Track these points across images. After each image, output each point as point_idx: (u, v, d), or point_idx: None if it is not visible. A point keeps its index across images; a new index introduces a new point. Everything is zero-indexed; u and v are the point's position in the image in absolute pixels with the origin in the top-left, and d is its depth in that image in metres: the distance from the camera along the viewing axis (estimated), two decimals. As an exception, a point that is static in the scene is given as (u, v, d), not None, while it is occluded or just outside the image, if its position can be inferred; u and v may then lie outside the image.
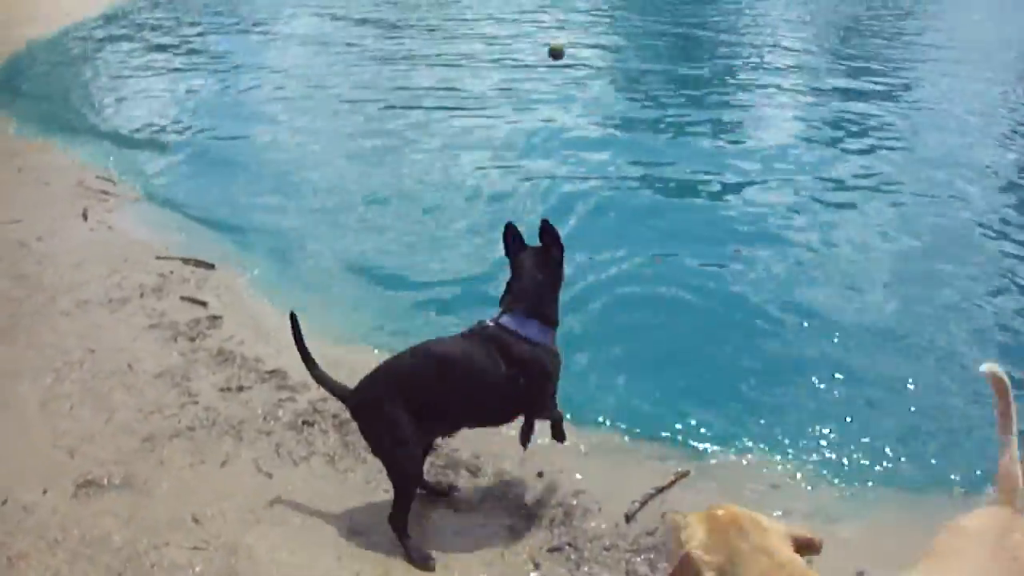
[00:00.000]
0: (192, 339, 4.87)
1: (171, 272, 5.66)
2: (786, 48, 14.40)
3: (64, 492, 3.71)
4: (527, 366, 3.40)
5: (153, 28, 15.37)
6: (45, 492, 3.70)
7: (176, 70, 12.29)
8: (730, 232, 6.56)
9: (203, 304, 5.25)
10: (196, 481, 3.82)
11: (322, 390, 3.64)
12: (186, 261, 5.84)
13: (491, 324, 3.47)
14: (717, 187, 7.59)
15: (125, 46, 13.75)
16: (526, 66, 12.19)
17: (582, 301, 5.39)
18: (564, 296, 3.70)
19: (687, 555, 1.97)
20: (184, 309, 5.21)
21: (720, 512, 2.04)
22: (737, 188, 7.55)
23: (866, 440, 4.24)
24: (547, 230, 3.55)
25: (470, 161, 8.14)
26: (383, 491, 3.64)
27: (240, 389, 4.41)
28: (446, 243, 6.38)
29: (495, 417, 3.64)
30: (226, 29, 15.58)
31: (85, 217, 6.57)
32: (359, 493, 3.73)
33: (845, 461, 4.11)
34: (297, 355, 3.60)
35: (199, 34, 14.94)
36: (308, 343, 3.61)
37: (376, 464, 3.59)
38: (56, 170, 7.74)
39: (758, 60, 13.45)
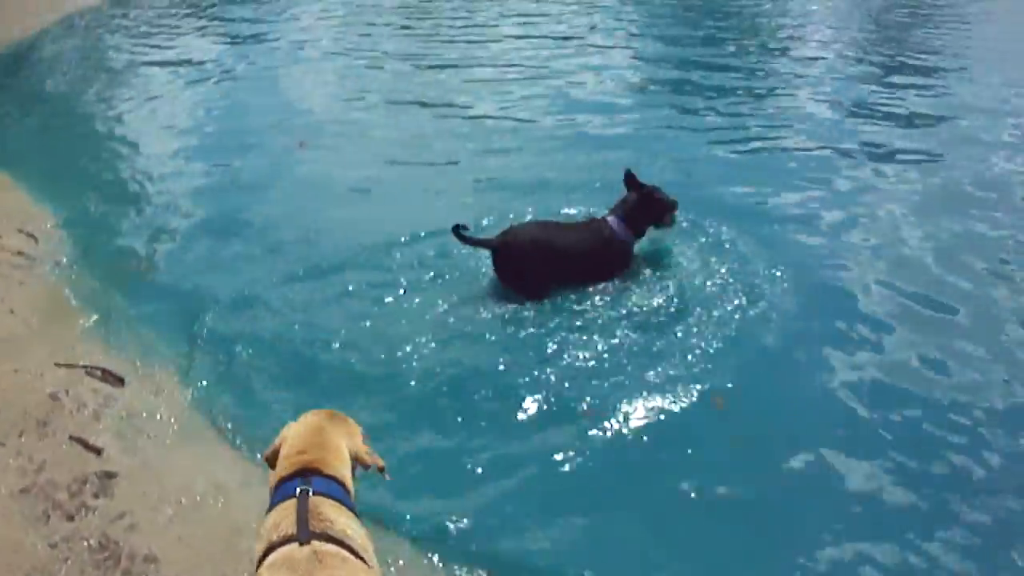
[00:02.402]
0: (70, 517, 3.56)
1: (67, 392, 4.36)
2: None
3: None
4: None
5: (148, 23, 13.88)
6: None
7: (169, 82, 10.91)
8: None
9: (96, 452, 3.95)
10: None
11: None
12: (90, 371, 4.54)
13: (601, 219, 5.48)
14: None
15: (119, 47, 12.34)
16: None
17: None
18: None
19: None
20: (71, 458, 3.89)
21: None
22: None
23: None
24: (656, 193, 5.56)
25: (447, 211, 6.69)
26: None
27: (117, 622, 3.13)
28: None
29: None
30: (235, 33, 13.95)
31: (-14, 296, 5.31)
32: None
33: None
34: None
35: (202, 37, 13.37)
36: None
37: None
38: (-25, 222, 6.46)
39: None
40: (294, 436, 2.63)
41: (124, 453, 3.96)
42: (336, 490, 2.48)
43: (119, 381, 4.47)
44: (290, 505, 2.36)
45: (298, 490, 2.40)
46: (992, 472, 3.85)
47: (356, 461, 2.68)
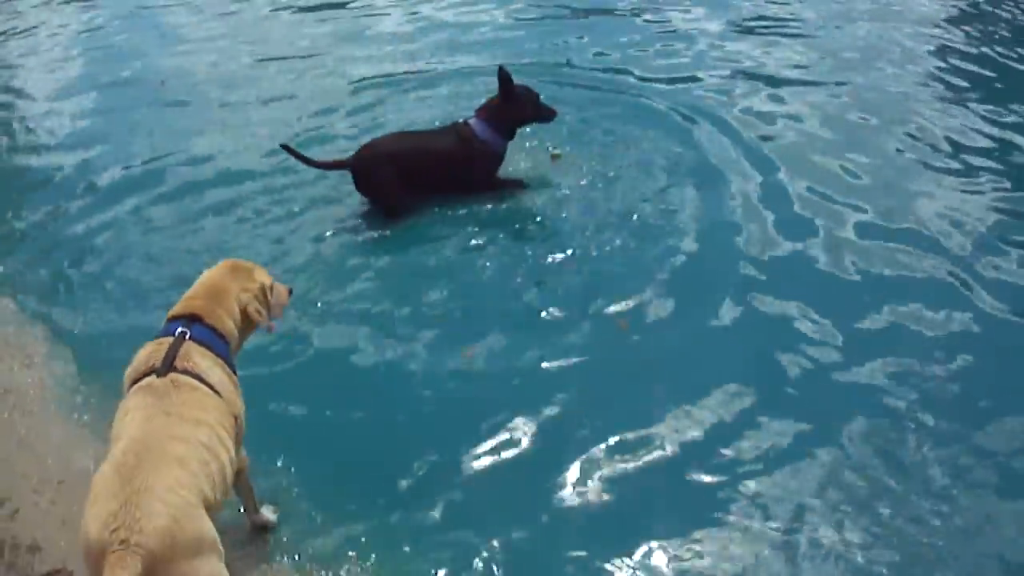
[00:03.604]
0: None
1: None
2: None
3: None
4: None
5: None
6: None
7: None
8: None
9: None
10: None
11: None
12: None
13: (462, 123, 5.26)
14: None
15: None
16: None
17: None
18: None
19: None
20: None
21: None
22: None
23: None
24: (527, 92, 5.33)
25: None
26: None
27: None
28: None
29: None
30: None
31: None
32: None
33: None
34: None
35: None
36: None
37: None
38: None
39: None
40: (197, 282, 3.02)
41: (-1, 435, 3.95)
42: (213, 339, 2.84)
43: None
44: (165, 342, 2.74)
45: (178, 331, 2.78)
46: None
47: (244, 313, 2.99)
